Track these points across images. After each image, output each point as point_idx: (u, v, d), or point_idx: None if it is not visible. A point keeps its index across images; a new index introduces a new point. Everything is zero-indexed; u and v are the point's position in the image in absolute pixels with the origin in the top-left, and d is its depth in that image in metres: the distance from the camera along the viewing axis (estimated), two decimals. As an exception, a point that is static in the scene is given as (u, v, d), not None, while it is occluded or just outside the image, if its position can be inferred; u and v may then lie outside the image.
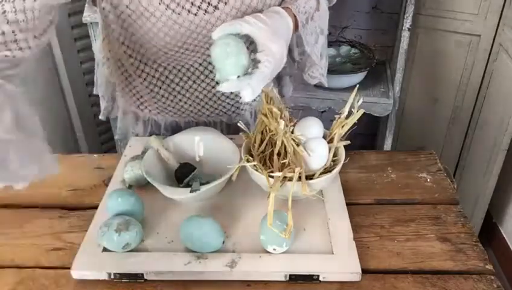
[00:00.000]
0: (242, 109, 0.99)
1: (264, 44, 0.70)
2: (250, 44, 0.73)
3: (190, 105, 0.96)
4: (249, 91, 0.67)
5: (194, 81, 0.92)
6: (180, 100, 0.95)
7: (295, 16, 0.79)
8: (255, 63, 0.70)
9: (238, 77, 0.68)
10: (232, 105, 0.98)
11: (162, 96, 0.94)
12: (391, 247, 0.75)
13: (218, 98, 0.96)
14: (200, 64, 0.90)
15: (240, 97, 0.70)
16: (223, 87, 0.68)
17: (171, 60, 0.87)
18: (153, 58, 0.88)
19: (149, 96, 0.95)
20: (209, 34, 0.72)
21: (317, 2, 0.87)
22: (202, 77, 0.92)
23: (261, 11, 0.77)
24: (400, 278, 0.70)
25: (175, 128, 1.00)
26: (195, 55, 0.87)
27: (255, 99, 0.97)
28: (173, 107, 0.96)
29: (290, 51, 0.98)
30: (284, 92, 1.08)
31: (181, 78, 0.92)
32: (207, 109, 0.98)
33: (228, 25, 0.69)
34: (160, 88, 0.93)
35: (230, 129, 1.02)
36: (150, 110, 0.98)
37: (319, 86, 1.51)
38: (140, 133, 1.02)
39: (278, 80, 1.06)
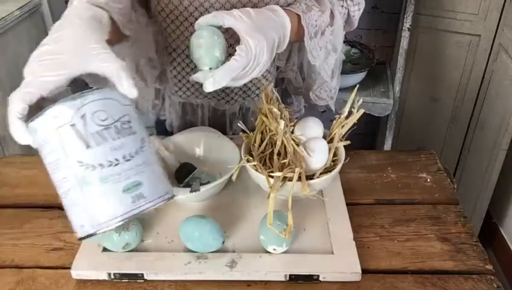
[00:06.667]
0: (232, 98, 0.97)
1: (243, 38, 0.68)
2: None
3: (182, 82, 0.95)
4: (210, 81, 0.66)
5: (187, 56, 0.91)
6: (178, 70, 0.94)
7: (299, 22, 0.78)
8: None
9: (211, 68, 0.68)
10: (223, 91, 0.95)
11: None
12: (391, 247, 0.75)
13: None
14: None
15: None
16: (193, 77, 0.69)
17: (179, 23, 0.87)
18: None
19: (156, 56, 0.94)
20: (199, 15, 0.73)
21: (332, 18, 0.85)
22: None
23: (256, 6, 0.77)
24: (399, 278, 0.70)
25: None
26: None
27: (246, 96, 0.97)
28: (172, 77, 0.96)
29: (289, 57, 0.97)
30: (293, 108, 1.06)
31: (180, 53, 0.91)
32: (196, 89, 0.96)
33: (211, 16, 0.69)
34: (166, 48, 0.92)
35: (215, 116, 1.00)
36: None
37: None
38: (150, 107, 1.02)
39: (286, 96, 1.04)
